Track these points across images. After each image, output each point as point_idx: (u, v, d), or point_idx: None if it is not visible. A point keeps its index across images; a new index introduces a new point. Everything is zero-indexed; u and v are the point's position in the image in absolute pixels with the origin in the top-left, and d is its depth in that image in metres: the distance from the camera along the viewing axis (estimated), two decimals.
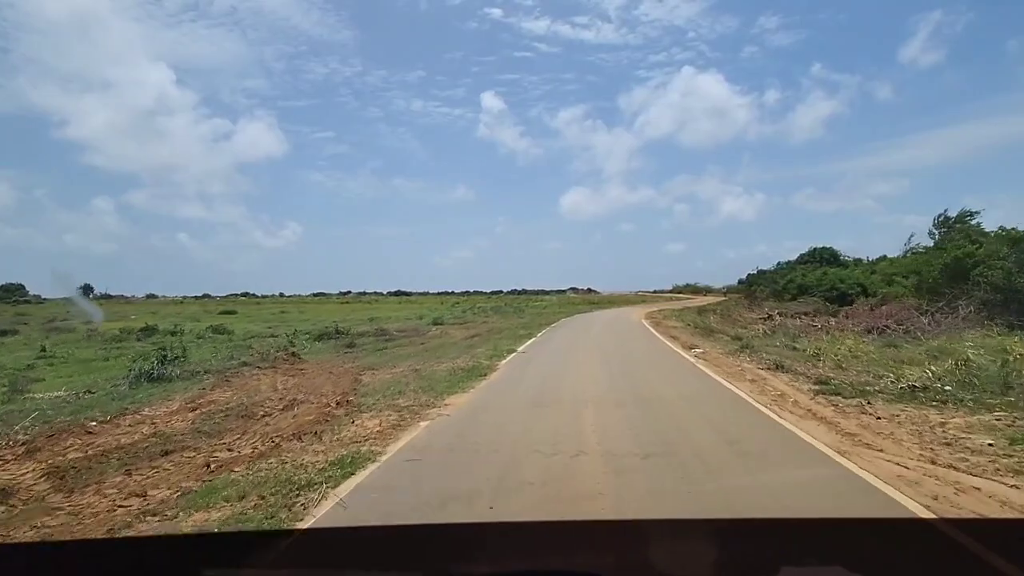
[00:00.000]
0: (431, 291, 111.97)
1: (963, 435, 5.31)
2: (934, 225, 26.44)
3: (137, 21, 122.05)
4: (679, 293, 69.70)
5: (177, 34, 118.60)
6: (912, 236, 28.73)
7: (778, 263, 38.88)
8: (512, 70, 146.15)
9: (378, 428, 6.19)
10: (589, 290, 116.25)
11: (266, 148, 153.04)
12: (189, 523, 3.81)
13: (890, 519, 2.87)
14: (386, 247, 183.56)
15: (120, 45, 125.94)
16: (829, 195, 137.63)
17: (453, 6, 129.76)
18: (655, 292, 78.36)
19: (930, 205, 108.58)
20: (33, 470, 4.98)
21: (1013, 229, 17.94)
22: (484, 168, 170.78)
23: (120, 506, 4.16)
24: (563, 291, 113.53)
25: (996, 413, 5.97)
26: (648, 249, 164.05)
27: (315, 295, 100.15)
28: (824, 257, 34.22)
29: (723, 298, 53.54)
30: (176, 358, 10.75)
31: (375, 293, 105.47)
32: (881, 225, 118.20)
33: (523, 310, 36.07)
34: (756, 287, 34.90)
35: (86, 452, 5.50)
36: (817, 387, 7.89)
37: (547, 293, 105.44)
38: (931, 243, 25.54)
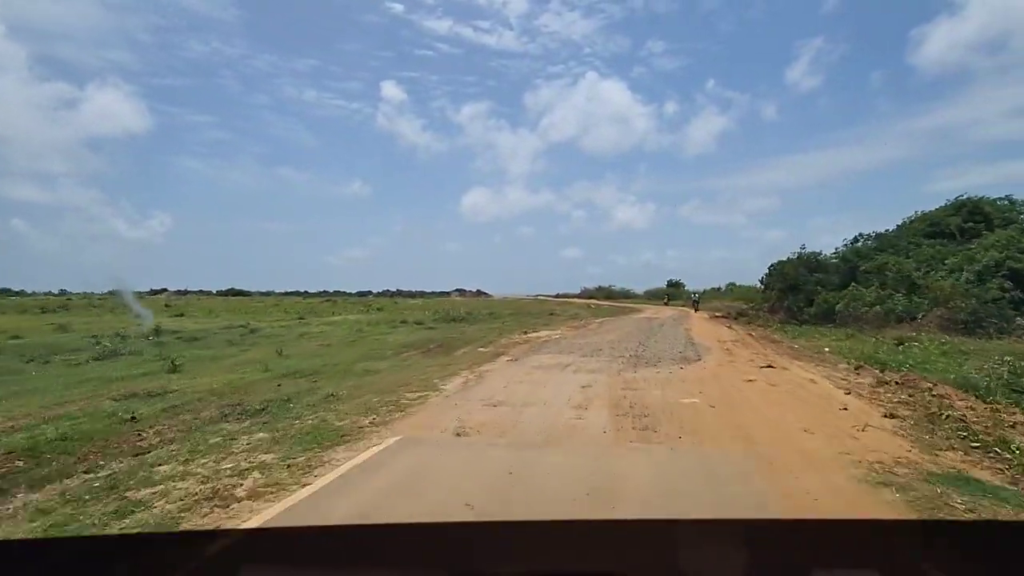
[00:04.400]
0: (311, 290, 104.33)
1: None
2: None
3: None
4: (592, 297, 63.24)
5: None
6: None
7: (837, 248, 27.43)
8: (412, 68, 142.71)
9: None
10: (479, 292, 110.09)
11: (126, 125, 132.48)
12: None
13: (927, 520, 2.75)
14: (272, 243, 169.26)
15: None
16: (711, 208, 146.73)
17: None
18: (559, 296, 71.58)
19: (790, 222, 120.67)
20: None
21: None
22: (383, 162, 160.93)
23: None
24: (447, 293, 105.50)
25: None
26: (545, 253, 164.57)
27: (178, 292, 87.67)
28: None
29: (666, 303, 47.68)
30: None
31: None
32: (748, 239, 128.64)
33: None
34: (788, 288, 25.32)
35: None
36: None
37: (428, 295, 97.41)
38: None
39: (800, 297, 25.43)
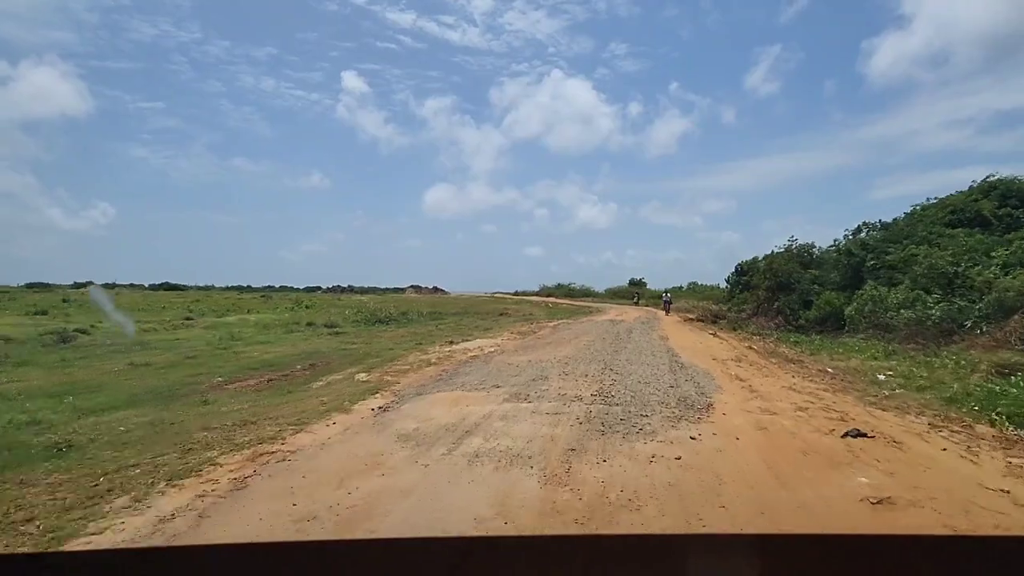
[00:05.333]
0: (260, 285, 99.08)
1: None
2: None
3: None
4: (551, 296, 57.98)
5: None
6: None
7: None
8: (375, 60, 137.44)
9: None
10: (435, 289, 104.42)
11: (64, 107, 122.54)
12: None
13: (939, 536, 2.62)
14: (225, 235, 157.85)
15: None
16: (670, 209, 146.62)
17: None
18: (517, 294, 66.20)
19: (744, 225, 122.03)
20: None
21: None
22: (343, 154, 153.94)
23: None
24: (402, 289, 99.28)
25: None
26: (508, 251, 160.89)
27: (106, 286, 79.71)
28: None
29: (636, 303, 42.97)
30: None
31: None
32: (704, 240, 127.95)
33: None
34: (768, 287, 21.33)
35: None
36: None
37: (381, 291, 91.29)
38: None
39: (794, 298, 21.07)
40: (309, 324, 22.36)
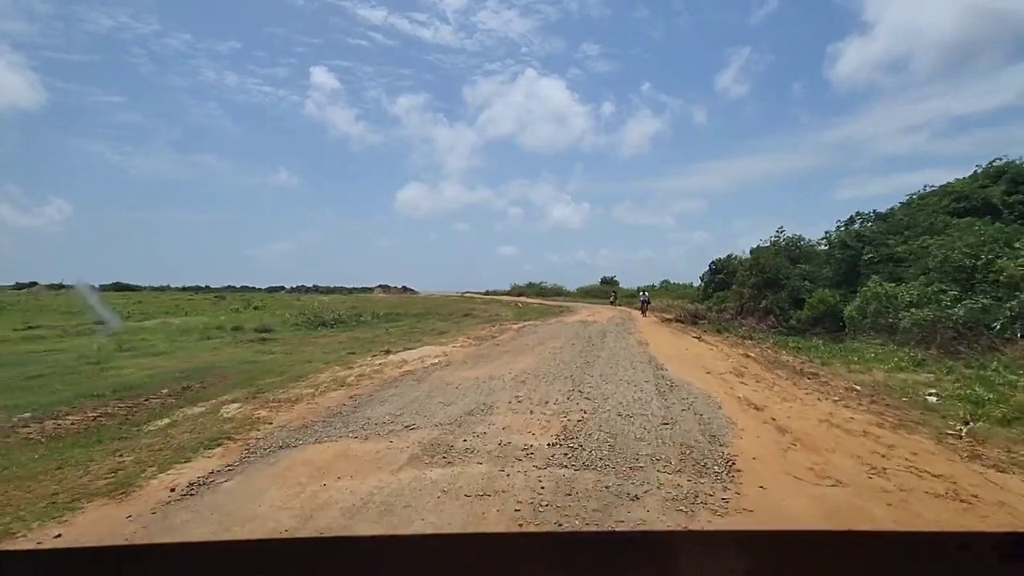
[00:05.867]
0: (220, 285, 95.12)
1: None
2: None
3: None
4: (522, 295, 55.20)
5: None
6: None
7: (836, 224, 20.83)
8: (345, 56, 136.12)
9: None
10: (404, 289, 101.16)
11: (14, 100, 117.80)
12: None
13: (924, 532, 2.49)
14: (188, 234, 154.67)
15: None
16: (642, 209, 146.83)
17: None
18: (488, 293, 63.36)
19: (715, 224, 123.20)
20: None
21: None
22: (312, 152, 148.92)
23: None
24: (370, 289, 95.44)
25: None
26: (481, 250, 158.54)
27: (52, 286, 73.49)
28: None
29: (613, 303, 40.55)
30: None
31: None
32: (676, 240, 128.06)
33: None
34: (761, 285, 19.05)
35: None
36: None
37: (348, 291, 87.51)
38: None
39: (783, 295, 19.06)
40: (235, 329, 19.20)
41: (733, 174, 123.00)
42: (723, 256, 30.72)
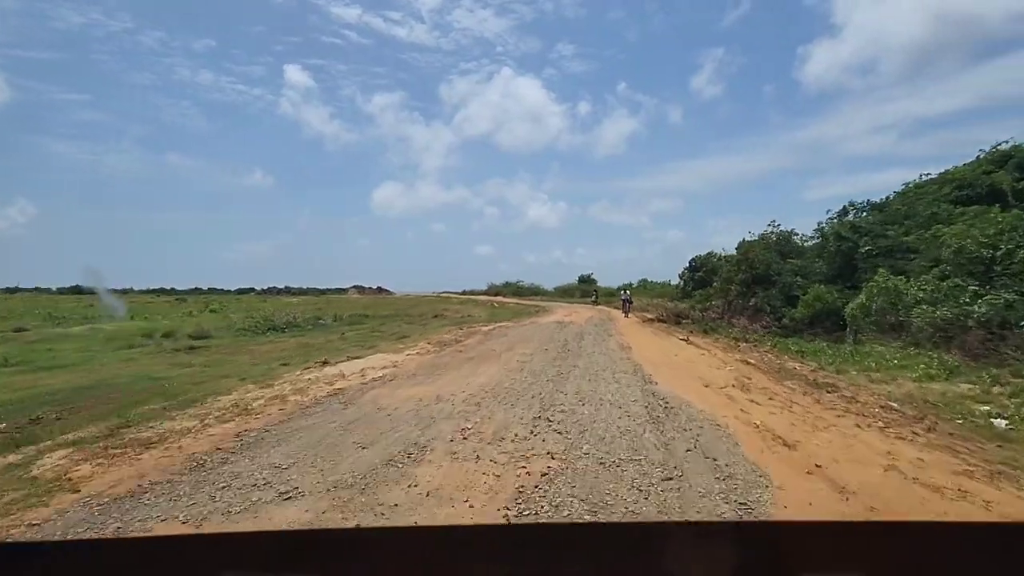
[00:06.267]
0: (187, 287, 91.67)
1: None
2: None
3: None
4: (499, 294, 53.26)
5: None
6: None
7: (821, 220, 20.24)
8: (320, 55, 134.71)
9: None
10: (379, 289, 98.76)
11: None
12: None
13: (918, 522, 2.39)
14: (158, 235, 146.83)
15: None
16: (618, 209, 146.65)
17: None
18: (464, 293, 61.40)
19: (690, 224, 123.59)
20: None
21: None
22: (287, 151, 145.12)
23: None
24: (344, 290, 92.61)
25: None
26: (458, 250, 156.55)
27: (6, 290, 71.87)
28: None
29: (595, 302, 38.66)
30: None
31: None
32: (651, 239, 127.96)
33: None
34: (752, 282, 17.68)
35: None
36: None
37: (321, 292, 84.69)
38: None
39: (774, 292, 17.64)
40: (166, 336, 16.92)
41: (707, 174, 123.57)
42: (702, 254, 29.45)
